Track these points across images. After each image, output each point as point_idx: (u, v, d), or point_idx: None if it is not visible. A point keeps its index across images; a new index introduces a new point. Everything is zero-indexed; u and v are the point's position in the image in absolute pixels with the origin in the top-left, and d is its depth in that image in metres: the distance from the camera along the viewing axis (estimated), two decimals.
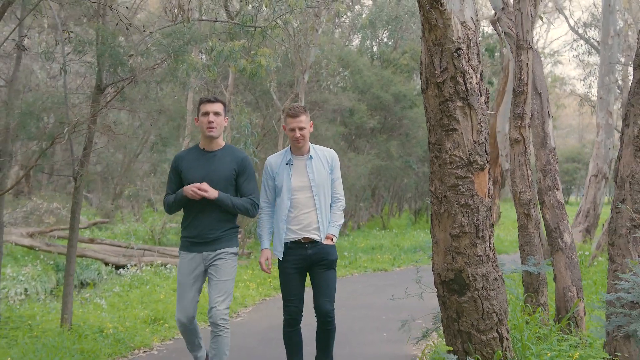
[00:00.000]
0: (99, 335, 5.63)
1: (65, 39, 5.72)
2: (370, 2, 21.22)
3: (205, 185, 3.64)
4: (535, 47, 6.09)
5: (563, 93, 30.91)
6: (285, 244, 3.77)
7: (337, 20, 15.51)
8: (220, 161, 3.78)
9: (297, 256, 3.75)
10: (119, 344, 5.40)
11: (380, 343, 5.46)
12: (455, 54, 3.28)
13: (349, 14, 17.93)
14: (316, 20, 10.56)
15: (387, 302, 5.62)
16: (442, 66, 3.31)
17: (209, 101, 3.78)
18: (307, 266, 3.77)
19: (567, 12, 31.82)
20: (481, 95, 3.38)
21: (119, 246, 12.93)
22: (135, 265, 10.61)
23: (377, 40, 19.94)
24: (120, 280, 9.67)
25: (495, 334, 3.55)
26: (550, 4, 21.85)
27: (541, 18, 12.86)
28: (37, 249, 11.81)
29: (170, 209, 3.88)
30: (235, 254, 3.83)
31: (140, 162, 19.85)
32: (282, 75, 12.29)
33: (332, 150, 3.95)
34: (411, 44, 18.50)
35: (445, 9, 3.25)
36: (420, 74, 3.47)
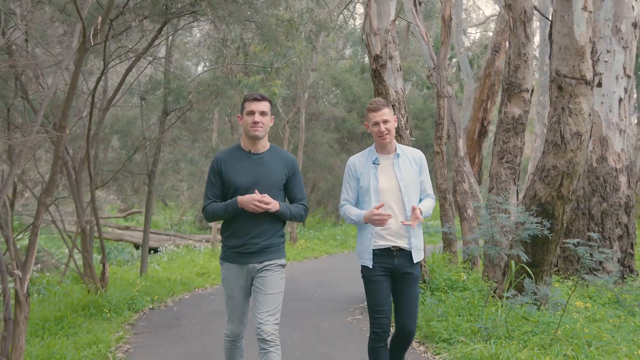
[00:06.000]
0: (168, 282, 8.37)
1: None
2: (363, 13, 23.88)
3: (267, 198, 3.27)
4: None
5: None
6: (373, 250, 3.44)
7: (330, 37, 18.08)
8: (269, 165, 3.42)
9: (385, 264, 3.42)
10: (184, 285, 8.16)
11: (352, 287, 8.18)
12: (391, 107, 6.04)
13: (343, 31, 20.60)
14: (314, 50, 13.29)
15: (359, 266, 8.47)
16: None
17: (255, 99, 3.40)
18: (393, 275, 3.46)
19: None
20: (407, 130, 6.15)
21: (150, 232, 15.76)
22: (171, 244, 13.38)
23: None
24: (161, 256, 12.38)
25: None
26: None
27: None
28: None
29: (213, 217, 3.43)
30: (284, 265, 3.49)
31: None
32: (286, 92, 15.00)
33: (419, 151, 3.61)
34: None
35: (386, 84, 6.02)
36: None
